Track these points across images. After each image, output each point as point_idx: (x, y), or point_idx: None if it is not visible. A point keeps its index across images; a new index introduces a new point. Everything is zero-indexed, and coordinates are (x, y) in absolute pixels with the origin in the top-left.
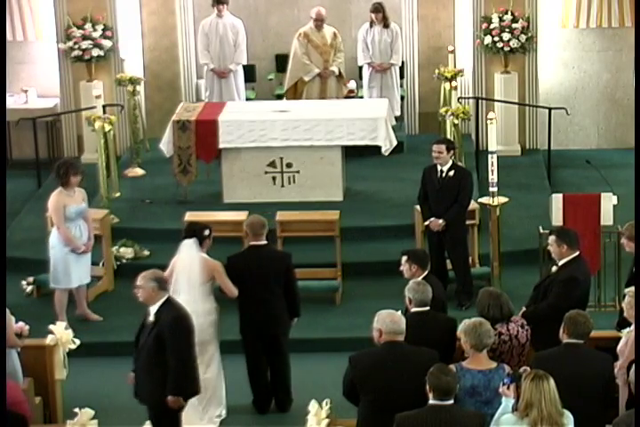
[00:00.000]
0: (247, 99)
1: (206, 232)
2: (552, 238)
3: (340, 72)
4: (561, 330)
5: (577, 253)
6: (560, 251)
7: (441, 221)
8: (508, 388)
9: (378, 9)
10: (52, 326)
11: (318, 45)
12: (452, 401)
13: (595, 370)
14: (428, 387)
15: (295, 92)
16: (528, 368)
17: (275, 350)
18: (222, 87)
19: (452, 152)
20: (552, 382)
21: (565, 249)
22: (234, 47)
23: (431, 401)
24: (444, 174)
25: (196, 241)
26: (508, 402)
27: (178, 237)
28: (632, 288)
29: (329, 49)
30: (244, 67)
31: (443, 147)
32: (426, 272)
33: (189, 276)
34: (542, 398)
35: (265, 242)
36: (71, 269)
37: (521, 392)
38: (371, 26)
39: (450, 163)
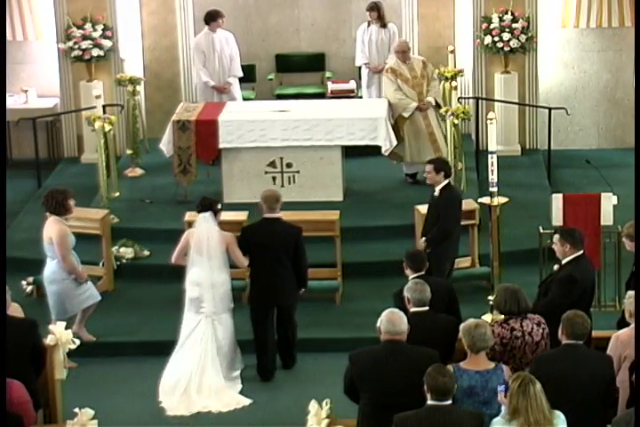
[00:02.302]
0: (247, 99)
1: (219, 206)
2: (556, 237)
3: (436, 102)
4: (559, 331)
5: (580, 252)
6: (563, 250)
7: (422, 240)
8: (505, 396)
9: (373, 7)
10: (51, 326)
11: (408, 79)
12: (449, 401)
13: (594, 370)
14: (425, 387)
15: (398, 129)
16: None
17: (282, 320)
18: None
19: (442, 173)
20: (538, 386)
21: (568, 248)
22: (230, 61)
23: (429, 402)
24: (435, 194)
25: (211, 214)
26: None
27: (178, 237)
28: (631, 292)
29: (420, 81)
30: (243, 67)
31: (430, 167)
32: (419, 273)
33: (209, 247)
34: (528, 405)
35: (278, 215)
36: (73, 297)
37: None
38: (368, 25)
39: (442, 184)
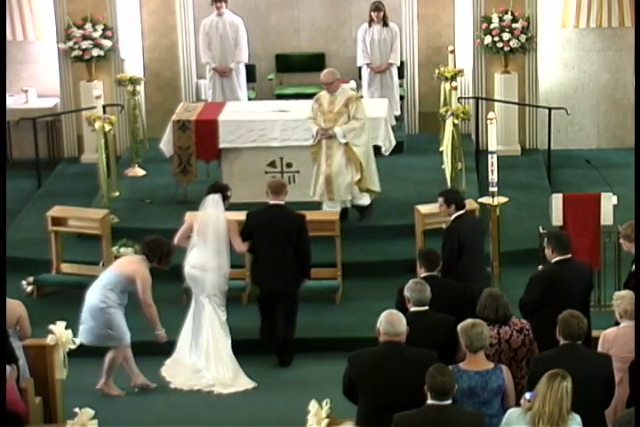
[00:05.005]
0: (247, 99)
1: (229, 193)
2: (545, 240)
3: (347, 142)
4: (557, 332)
5: (565, 256)
6: (548, 253)
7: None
8: (529, 401)
9: (379, 8)
10: (51, 326)
11: (325, 111)
12: (449, 401)
13: (593, 370)
14: (425, 387)
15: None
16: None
17: (281, 306)
18: (224, 86)
19: (454, 206)
20: (566, 383)
21: (551, 252)
22: (234, 46)
23: (429, 401)
24: (444, 225)
25: (220, 197)
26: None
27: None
28: (619, 292)
29: (334, 117)
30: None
31: (441, 200)
32: (431, 273)
33: (217, 229)
34: (548, 395)
35: (283, 202)
36: (124, 322)
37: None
38: (370, 25)
39: (454, 216)
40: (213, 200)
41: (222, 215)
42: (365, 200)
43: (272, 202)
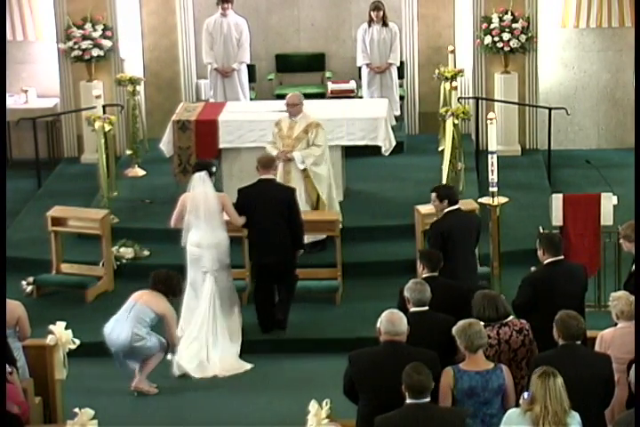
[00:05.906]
0: (249, 99)
1: (214, 168)
2: (537, 242)
3: (305, 169)
4: (555, 333)
5: (557, 258)
6: (539, 254)
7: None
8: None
9: (379, 7)
10: (51, 326)
11: (284, 136)
12: (428, 399)
13: (593, 370)
14: (403, 387)
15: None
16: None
17: (280, 278)
18: (226, 86)
19: (446, 201)
20: (559, 379)
21: (543, 253)
22: (237, 46)
23: (408, 400)
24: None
25: (206, 173)
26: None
27: (178, 238)
28: (615, 293)
29: (293, 142)
30: None
31: (434, 195)
32: (433, 273)
33: (208, 206)
34: (547, 395)
35: (273, 177)
36: (154, 339)
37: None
38: (369, 25)
39: (442, 214)
40: (200, 178)
41: (211, 191)
42: (319, 236)
43: (261, 176)
